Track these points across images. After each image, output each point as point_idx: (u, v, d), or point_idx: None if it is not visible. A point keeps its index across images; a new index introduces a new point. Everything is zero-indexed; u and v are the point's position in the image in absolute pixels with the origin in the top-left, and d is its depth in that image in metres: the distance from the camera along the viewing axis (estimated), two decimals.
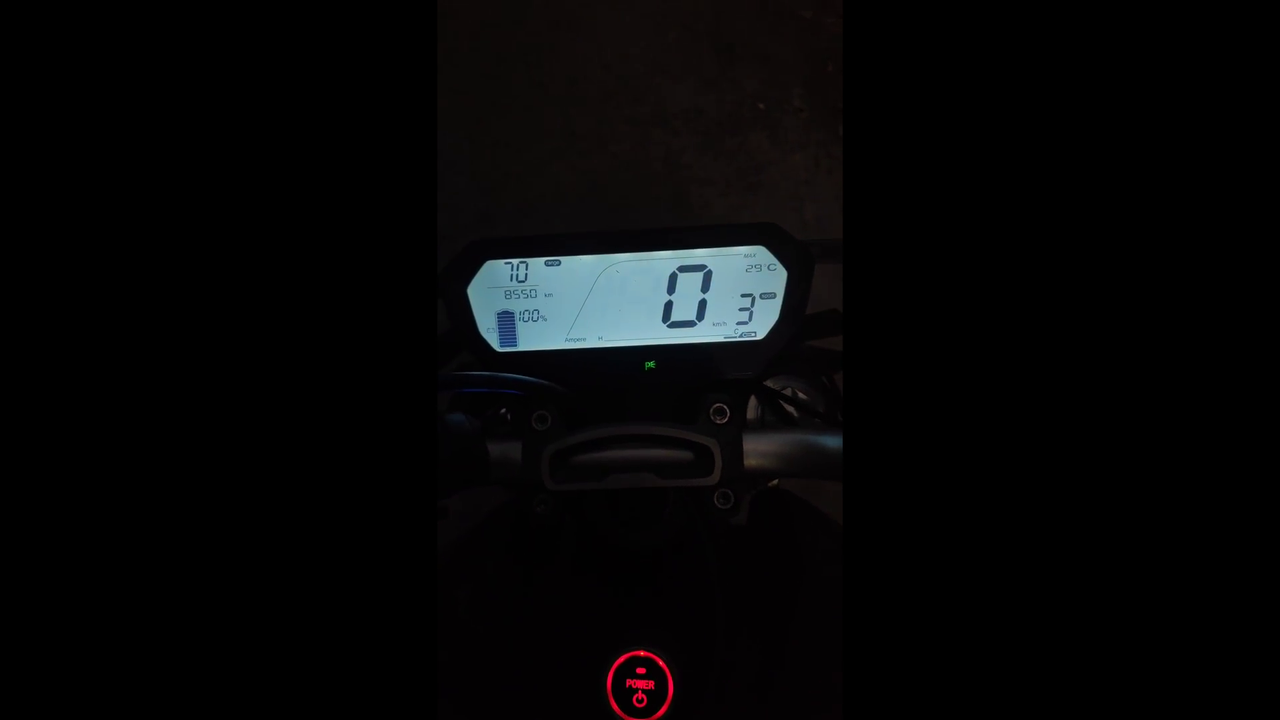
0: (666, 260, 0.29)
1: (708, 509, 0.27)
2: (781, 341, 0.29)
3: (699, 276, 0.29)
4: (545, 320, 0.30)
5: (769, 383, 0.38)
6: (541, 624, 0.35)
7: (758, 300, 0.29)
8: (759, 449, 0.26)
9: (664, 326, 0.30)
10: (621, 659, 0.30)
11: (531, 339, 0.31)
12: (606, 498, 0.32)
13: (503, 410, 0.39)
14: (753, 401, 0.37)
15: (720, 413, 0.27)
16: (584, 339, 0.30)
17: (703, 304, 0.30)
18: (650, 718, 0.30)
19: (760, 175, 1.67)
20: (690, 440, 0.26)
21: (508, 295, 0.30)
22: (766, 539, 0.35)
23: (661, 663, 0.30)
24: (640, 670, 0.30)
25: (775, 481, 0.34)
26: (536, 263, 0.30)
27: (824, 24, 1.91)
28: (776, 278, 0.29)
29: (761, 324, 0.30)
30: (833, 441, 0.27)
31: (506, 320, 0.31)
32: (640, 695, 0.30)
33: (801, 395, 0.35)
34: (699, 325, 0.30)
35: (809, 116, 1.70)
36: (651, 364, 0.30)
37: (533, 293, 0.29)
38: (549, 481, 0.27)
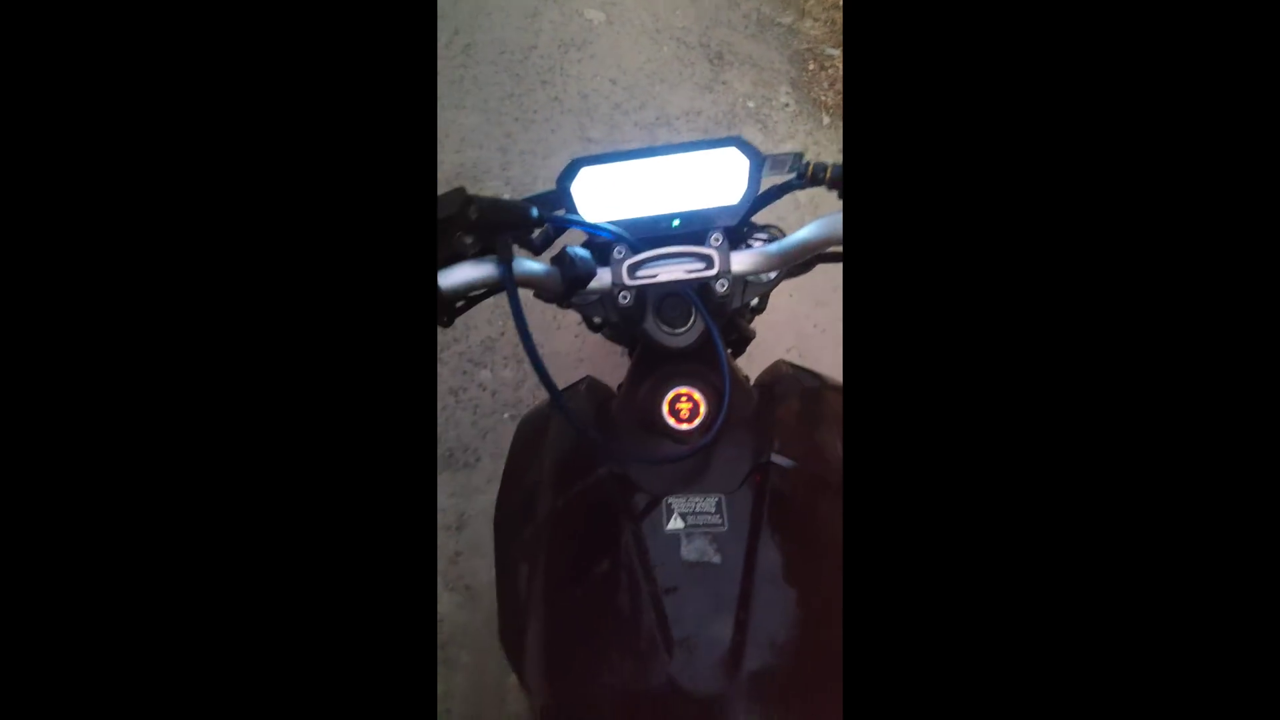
0: (680, 161, 0.49)
1: (712, 294, 0.45)
2: (749, 202, 0.47)
3: (699, 169, 0.48)
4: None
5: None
6: (628, 388, 0.55)
7: (733, 179, 0.48)
8: (742, 258, 0.45)
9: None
10: (671, 394, 0.50)
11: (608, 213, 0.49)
12: (655, 312, 0.51)
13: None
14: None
15: (716, 238, 0.45)
16: (636, 210, 0.49)
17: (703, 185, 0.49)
18: (689, 423, 0.50)
19: None
20: (696, 251, 0.45)
21: (595, 191, 0.49)
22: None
23: (695, 395, 0.50)
24: (684, 402, 0.50)
25: (771, 276, 0.51)
26: (606, 167, 0.49)
27: (802, 29, 2.13)
28: (744, 165, 0.48)
29: (737, 193, 0.48)
30: (790, 241, 0.45)
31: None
32: (683, 412, 0.50)
33: (776, 233, 0.54)
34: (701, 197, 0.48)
35: (795, 110, 1.90)
36: (677, 222, 0.49)
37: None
38: (627, 279, 0.45)
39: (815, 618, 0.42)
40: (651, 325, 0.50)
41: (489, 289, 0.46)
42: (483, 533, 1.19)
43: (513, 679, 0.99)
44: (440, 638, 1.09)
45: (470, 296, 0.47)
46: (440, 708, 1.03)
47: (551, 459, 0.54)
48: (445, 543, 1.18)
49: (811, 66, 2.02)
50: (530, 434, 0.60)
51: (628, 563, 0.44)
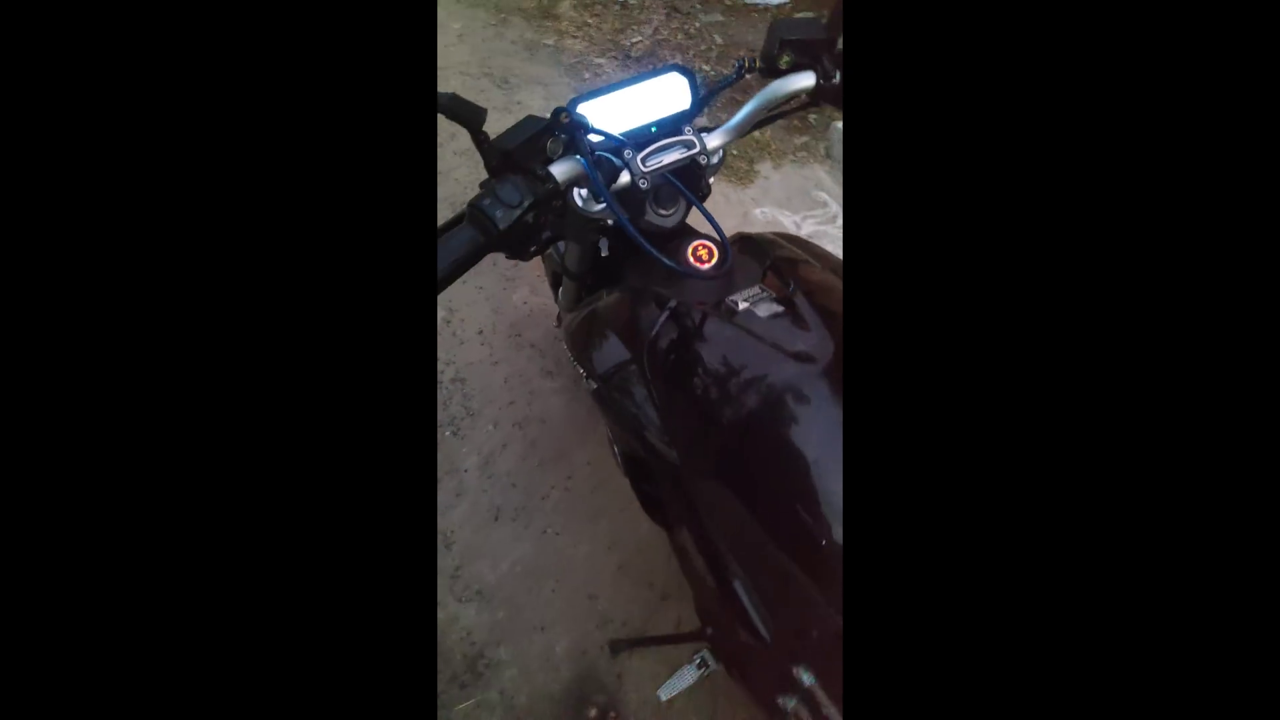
0: (644, 87, 0.66)
1: (697, 165, 0.64)
2: (698, 103, 0.66)
3: (657, 90, 0.66)
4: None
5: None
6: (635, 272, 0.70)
7: (681, 92, 0.67)
8: (711, 138, 0.65)
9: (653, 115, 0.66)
10: (692, 246, 0.67)
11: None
12: (652, 200, 0.68)
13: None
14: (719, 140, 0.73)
15: (689, 130, 0.64)
16: (623, 127, 0.65)
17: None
18: (708, 263, 0.67)
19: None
20: (682, 140, 0.63)
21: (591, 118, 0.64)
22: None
23: (709, 245, 0.68)
24: (701, 249, 0.67)
25: (719, 157, 0.71)
26: (597, 100, 0.64)
27: (565, 46, 2.41)
28: (684, 81, 0.67)
29: (687, 100, 0.67)
30: (738, 118, 0.66)
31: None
32: (702, 257, 0.67)
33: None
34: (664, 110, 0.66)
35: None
36: (655, 128, 0.65)
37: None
38: (644, 168, 0.61)
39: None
40: (651, 213, 0.66)
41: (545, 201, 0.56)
42: (473, 541, 1.20)
43: (560, 648, 1.05)
44: (474, 648, 1.08)
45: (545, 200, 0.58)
46: (503, 703, 1.04)
47: (625, 322, 0.68)
48: (444, 563, 1.17)
49: (587, 76, 2.30)
50: (586, 333, 0.74)
51: (731, 334, 0.60)
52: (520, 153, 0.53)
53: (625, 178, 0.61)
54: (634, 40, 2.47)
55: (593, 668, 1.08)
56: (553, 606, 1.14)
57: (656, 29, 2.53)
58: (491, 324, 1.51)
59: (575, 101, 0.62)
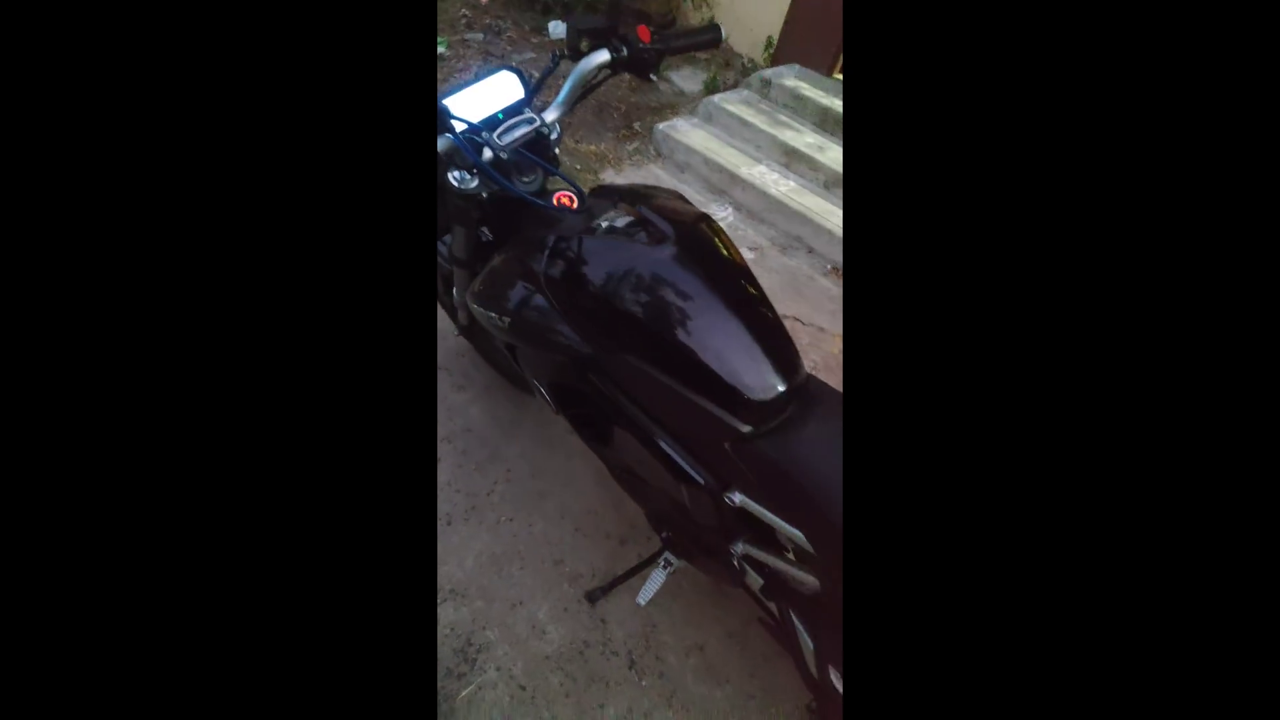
0: (486, 84, 0.83)
1: (543, 138, 0.85)
2: (529, 93, 0.85)
3: (496, 86, 0.84)
4: None
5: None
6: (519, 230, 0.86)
7: (514, 85, 0.86)
8: (548, 113, 0.85)
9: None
10: (557, 195, 0.83)
11: None
12: (516, 171, 0.85)
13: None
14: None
15: (529, 111, 0.84)
16: (478, 116, 0.82)
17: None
18: (570, 207, 0.84)
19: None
20: (525, 118, 0.83)
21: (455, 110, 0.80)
22: None
23: (569, 193, 0.84)
24: (564, 198, 0.84)
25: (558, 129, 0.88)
26: (455, 97, 0.82)
27: None
28: (515, 77, 0.86)
29: (521, 91, 0.86)
30: (563, 95, 0.85)
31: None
32: (565, 204, 0.85)
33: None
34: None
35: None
36: (500, 115, 0.83)
37: None
38: (499, 144, 0.79)
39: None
40: (517, 182, 0.82)
41: None
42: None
43: (541, 614, 1.12)
44: (460, 639, 1.12)
45: None
46: (502, 679, 1.09)
47: (520, 265, 0.83)
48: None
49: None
50: (490, 285, 0.89)
51: (602, 243, 0.77)
52: None
53: (488, 154, 0.78)
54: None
55: (576, 621, 1.17)
56: (524, 582, 1.21)
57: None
58: None
59: (449, 91, 0.79)
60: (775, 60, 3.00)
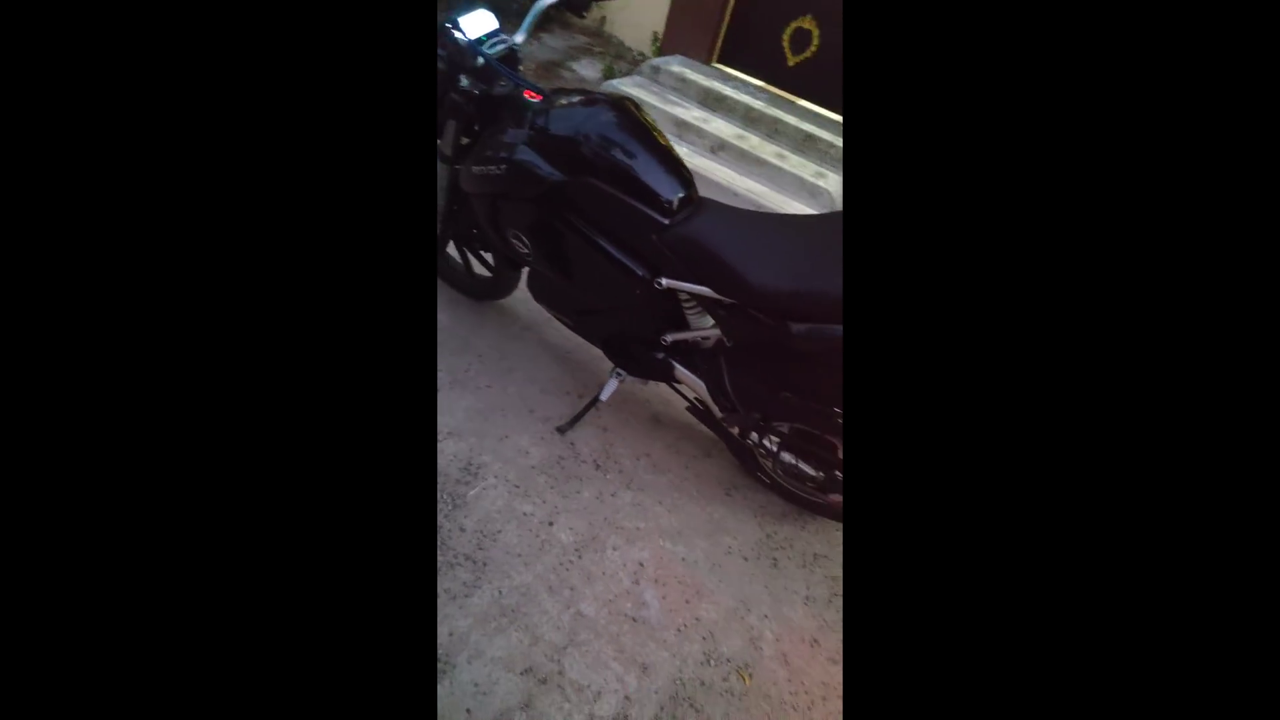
0: (473, 14, 1.20)
1: (514, 54, 1.25)
2: (495, 23, 1.22)
3: (479, 15, 1.20)
4: None
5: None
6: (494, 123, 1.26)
7: (488, 17, 1.22)
8: (517, 35, 1.23)
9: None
10: (526, 91, 1.22)
11: None
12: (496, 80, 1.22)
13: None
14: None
15: (502, 34, 1.23)
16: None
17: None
18: (537, 96, 1.23)
19: None
20: (502, 40, 1.21)
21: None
22: None
23: (533, 91, 1.23)
24: (529, 94, 1.23)
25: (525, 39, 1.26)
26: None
27: None
28: (489, 13, 1.22)
29: (494, 21, 1.23)
30: (530, 15, 1.23)
31: None
32: (531, 95, 1.24)
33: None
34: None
35: None
36: (484, 36, 1.20)
37: None
38: (487, 53, 1.16)
39: None
40: (496, 87, 1.19)
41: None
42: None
43: (523, 442, 1.48)
44: (461, 461, 1.43)
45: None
46: (499, 482, 1.41)
47: (512, 128, 1.20)
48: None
49: None
50: (488, 150, 1.24)
51: (561, 110, 1.17)
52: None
53: (480, 61, 1.14)
54: None
55: (551, 445, 1.51)
56: (506, 424, 1.54)
57: None
58: None
59: (452, 17, 1.14)
60: (662, 51, 3.51)
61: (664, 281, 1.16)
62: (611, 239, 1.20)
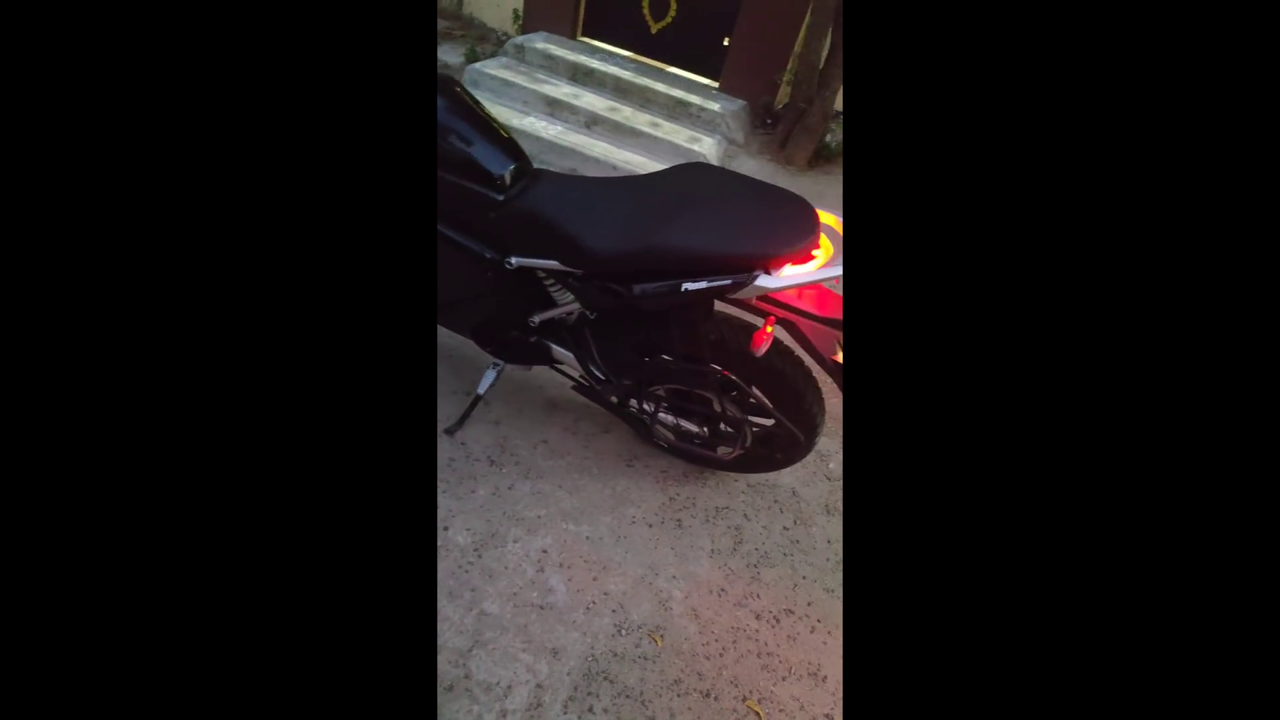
0: None
1: None
2: None
3: None
4: None
5: None
6: None
7: None
8: None
9: None
10: None
11: None
12: None
13: None
14: None
15: None
16: None
17: None
18: None
19: None
20: None
21: None
22: None
23: None
24: None
25: None
26: None
27: None
28: None
29: None
30: None
31: None
32: None
33: None
34: None
35: None
36: None
37: None
38: None
39: None
40: None
41: None
42: None
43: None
44: None
45: None
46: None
47: None
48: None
49: None
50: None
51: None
52: None
53: None
54: None
55: (441, 449, 1.45)
56: None
57: None
58: None
59: None
60: (525, 30, 3.39)
61: (514, 260, 1.12)
62: (453, 224, 1.14)
